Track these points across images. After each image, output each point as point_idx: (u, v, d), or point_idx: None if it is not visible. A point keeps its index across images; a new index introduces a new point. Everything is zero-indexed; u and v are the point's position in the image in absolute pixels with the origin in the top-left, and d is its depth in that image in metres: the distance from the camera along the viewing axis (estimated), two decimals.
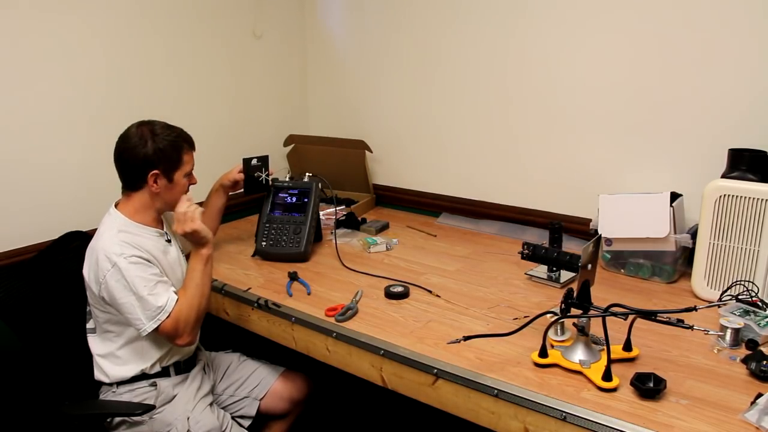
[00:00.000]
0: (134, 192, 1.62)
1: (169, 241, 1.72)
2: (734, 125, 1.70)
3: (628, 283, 1.77)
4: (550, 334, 1.40)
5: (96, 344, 1.64)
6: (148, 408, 1.60)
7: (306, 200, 2.01)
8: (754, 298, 1.46)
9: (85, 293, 1.63)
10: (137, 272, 1.52)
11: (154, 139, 1.57)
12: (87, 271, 1.58)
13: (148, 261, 1.57)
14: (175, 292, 1.58)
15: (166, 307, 1.54)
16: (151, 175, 1.58)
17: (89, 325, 1.66)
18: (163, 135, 1.59)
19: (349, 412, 2.42)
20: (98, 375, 1.64)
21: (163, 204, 1.66)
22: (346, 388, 2.09)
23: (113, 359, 1.62)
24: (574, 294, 1.32)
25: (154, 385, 1.64)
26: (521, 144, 2.15)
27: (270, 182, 2.03)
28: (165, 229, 1.73)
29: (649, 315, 1.25)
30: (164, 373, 1.67)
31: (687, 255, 1.73)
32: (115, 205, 1.64)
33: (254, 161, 1.99)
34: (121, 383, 1.63)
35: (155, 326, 1.53)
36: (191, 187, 1.70)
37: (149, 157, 1.57)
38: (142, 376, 1.63)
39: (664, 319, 1.23)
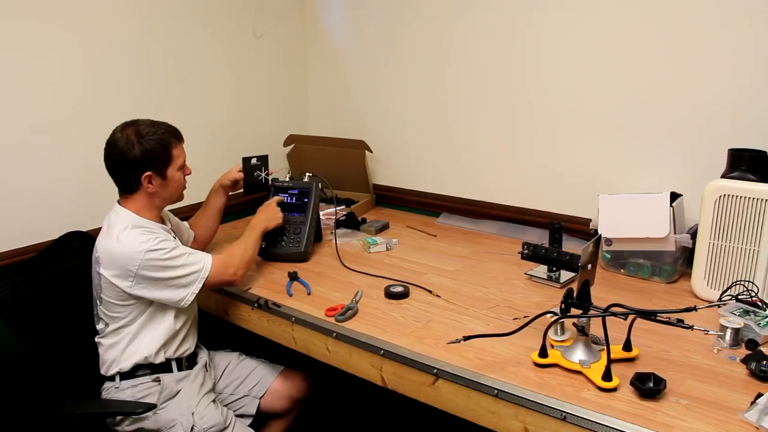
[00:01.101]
0: (132, 194, 1.63)
1: (175, 238, 1.73)
2: (734, 125, 1.70)
3: (628, 283, 1.77)
4: (550, 334, 1.40)
5: (104, 341, 1.65)
6: (150, 407, 1.60)
7: (306, 200, 2.01)
8: (754, 298, 1.46)
9: (86, 293, 1.63)
10: (167, 250, 1.57)
11: (140, 141, 1.57)
12: (108, 271, 1.57)
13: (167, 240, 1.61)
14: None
15: (206, 264, 1.63)
16: (144, 177, 1.59)
17: (99, 326, 1.66)
18: (149, 135, 1.59)
19: (349, 411, 2.42)
20: (103, 369, 1.65)
21: (162, 201, 1.68)
22: (346, 388, 2.09)
23: (119, 351, 1.63)
24: (574, 294, 1.32)
25: (157, 380, 1.64)
26: (521, 144, 2.15)
27: (270, 182, 2.03)
28: (168, 226, 1.74)
29: (649, 315, 1.25)
30: (167, 367, 1.67)
31: (687, 255, 1.73)
32: (118, 203, 1.65)
33: (254, 160, 1.99)
34: (124, 377, 1.63)
35: (202, 283, 1.61)
36: (188, 177, 1.72)
37: (139, 160, 1.57)
38: (147, 366, 1.64)
39: (664, 319, 1.23)
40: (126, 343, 1.63)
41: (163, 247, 1.57)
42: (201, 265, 1.62)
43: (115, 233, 1.58)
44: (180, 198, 1.73)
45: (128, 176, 1.60)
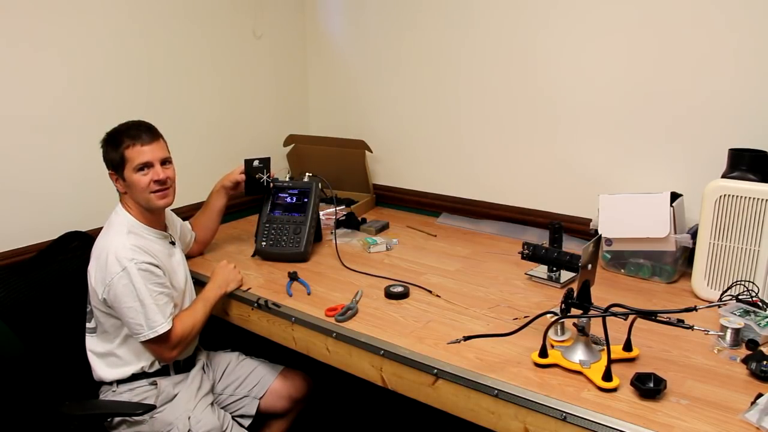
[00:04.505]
0: (121, 194, 1.65)
1: (173, 243, 1.73)
2: (734, 125, 1.70)
3: (628, 283, 1.77)
4: (551, 334, 1.40)
5: (95, 344, 1.65)
6: (149, 408, 1.60)
7: (306, 200, 2.01)
8: (754, 298, 1.46)
9: (85, 293, 1.63)
10: (145, 280, 1.54)
11: (104, 140, 1.61)
12: (93, 272, 1.57)
13: (158, 267, 1.58)
14: (172, 312, 1.61)
15: (165, 324, 1.56)
16: (109, 175, 1.62)
17: (90, 324, 1.66)
18: (109, 134, 1.61)
19: (349, 411, 2.42)
20: (98, 375, 1.65)
21: (140, 203, 1.63)
22: (346, 388, 2.09)
23: (113, 358, 1.63)
24: (574, 294, 1.32)
25: (154, 384, 1.64)
26: (521, 144, 2.15)
27: (271, 184, 2.03)
28: (169, 231, 1.74)
29: (649, 315, 1.24)
30: (164, 371, 1.67)
31: (687, 255, 1.73)
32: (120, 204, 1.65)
33: (256, 162, 1.98)
34: (121, 382, 1.63)
35: (153, 336, 1.55)
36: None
37: (105, 159, 1.61)
38: (142, 375, 1.64)
39: (665, 319, 1.23)
40: (119, 357, 1.62)
41: (143, 276, 1.53)
42: (153, 324, 1.54)
43: (108, 236, 1.58)
44: (150, 203, 1.62)
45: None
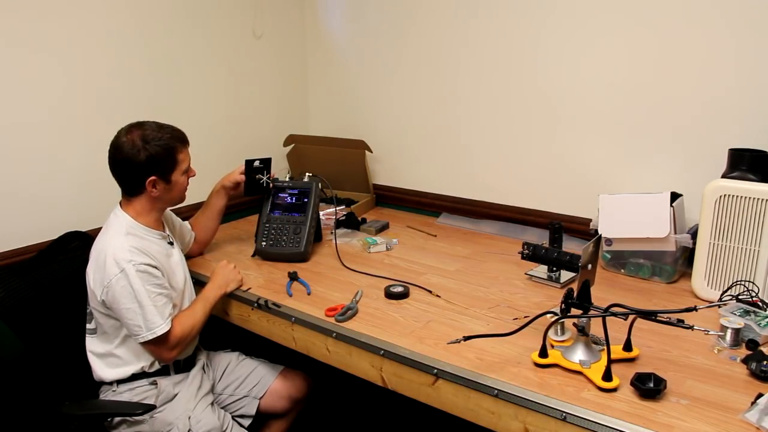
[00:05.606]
0: (134, 198, 1.63)
1: (171, 243, 1.73)
2: (734, 125, 1.70)
3: (628, 283, 1.77)
4: (551, 334, 1.40)
5: (95, 344, 1.65)
6: (149, 408, 1.60)
7: (306, 200, 2.01)
8: (754, 298, 1.46)
9: (85, 293, 1.63)
10: (144, 282, 1.54)
11: (146, 146, 1.55)
12: (92, 274, 1.57)
13: (156, 268, 1.58)
14: (171, 313, 1.60)
15: (164, 325, 1.56)
16: (148, 182, 1.58)
17: (90, 326, 1.66)
18: (155, 140, 1.57)
19: (349, 411, 2.42)
20: (98, 375, 1.65)
21: (164, 204, 1.68)
22: (346, 388, 2.09)
23: (113, 358, 1.63)
24: (574, 294, 1.32)
25: (154, 383, 1.64)
26: (521, 144, 2.15)
27: (271, 185, 2.03)
28: (167, 231, 1.74)
29: (650, 315, 1.24)
30: (164, 371, 1.67)
31: (687, 255, 1.73)
32: (120, 205, 1.65)
33: (256, 163, 1.98)
34: (121, 382, 1.63)
35: (151, 337, 1.55)
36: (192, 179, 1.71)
37: (144, 165, 1.56)
38: (142, 374, 1.64)
39: (665, 320, 1.23)
40: (119, 357, 1.62)
41: (141, 277, 1.53)
42: (151, 325, 1.54)
43: (106, 237, 1.58)
44: (182, 200, 1.72)
45: (132, 181, 1.59)
